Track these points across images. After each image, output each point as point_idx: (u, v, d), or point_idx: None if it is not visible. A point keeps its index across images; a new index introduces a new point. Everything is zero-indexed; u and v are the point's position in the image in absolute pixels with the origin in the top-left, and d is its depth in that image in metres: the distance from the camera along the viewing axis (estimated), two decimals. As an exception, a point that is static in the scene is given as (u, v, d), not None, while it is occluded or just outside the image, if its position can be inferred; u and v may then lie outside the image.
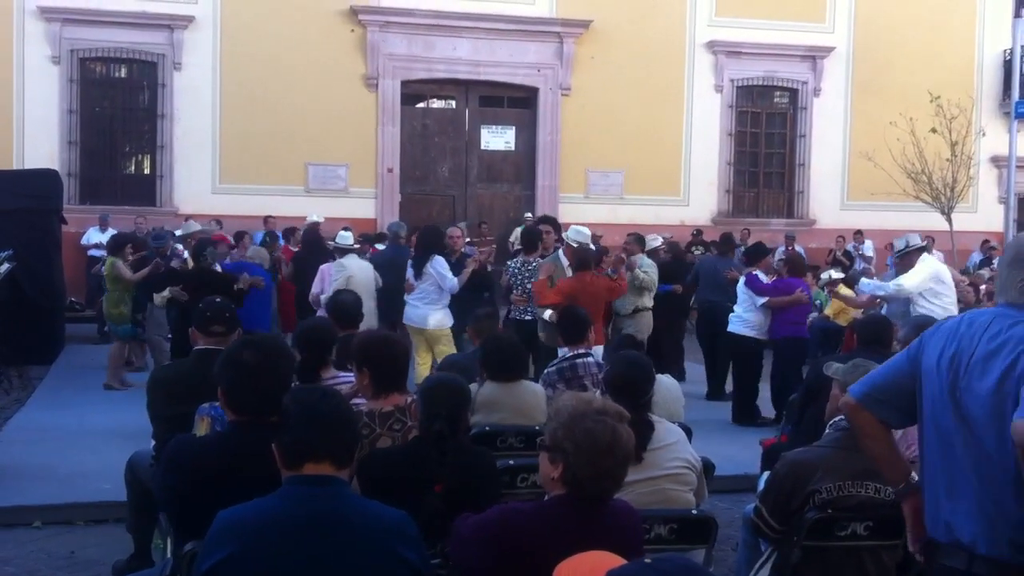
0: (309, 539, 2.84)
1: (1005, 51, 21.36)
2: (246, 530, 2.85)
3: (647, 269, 11.30)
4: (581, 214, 18.36)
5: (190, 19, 18.70)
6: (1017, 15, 17.98)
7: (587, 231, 10.38)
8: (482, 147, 20.75)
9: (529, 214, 18.95)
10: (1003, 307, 2.99)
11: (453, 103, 20.99)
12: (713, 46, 21.04)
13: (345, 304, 7.01)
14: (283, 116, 18.80)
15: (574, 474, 3.05)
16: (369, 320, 8.85)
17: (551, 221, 11.91)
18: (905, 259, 9.42)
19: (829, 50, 21.58)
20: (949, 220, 18.85)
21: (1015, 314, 2.92)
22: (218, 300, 5.40)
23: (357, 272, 10.58)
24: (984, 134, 20.34)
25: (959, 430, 2.92)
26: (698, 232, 19.20)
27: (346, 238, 11.72)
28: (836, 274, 12.01)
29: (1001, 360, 2.82)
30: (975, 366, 2.88)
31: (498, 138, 20.84)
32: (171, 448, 3.69)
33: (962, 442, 2.92)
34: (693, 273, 12.59)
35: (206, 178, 18.96)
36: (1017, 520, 2.78)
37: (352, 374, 4.90)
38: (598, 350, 7.71)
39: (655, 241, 12.83)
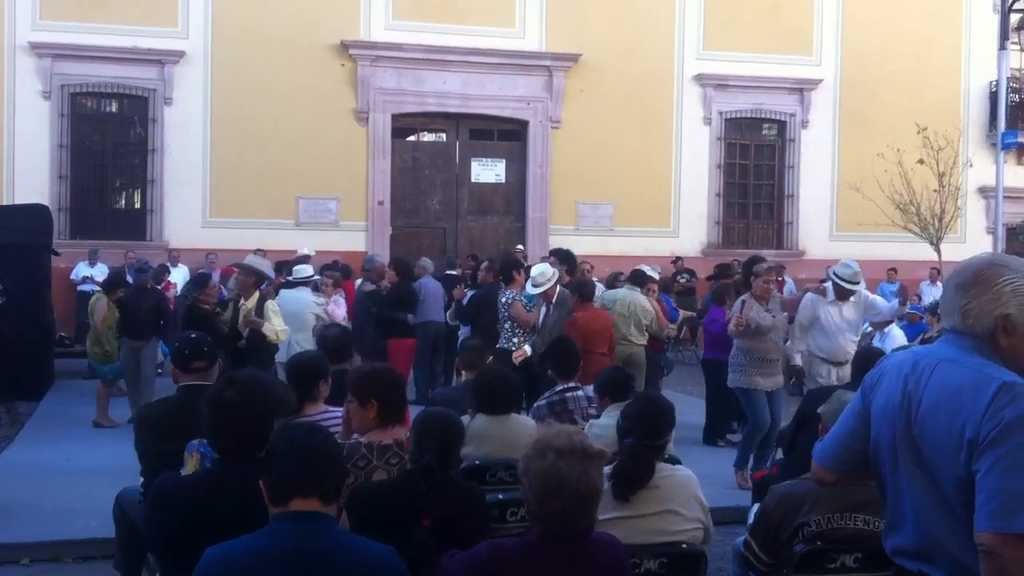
0: (296, 576, 2.82)
1: (991, 82, 21.49)
2: (234, 567, 2.84)
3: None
4: (571, 246, 18.20)
5: (180, 54, 18.76)
6: (1002, 47, 18.06)
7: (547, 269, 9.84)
8: (472, 180, 20.79)
9: (520, 246, 18.98)
10: (948, 344, 2.91)
11: (443, 136, 21.06)
12: (701, 79, 21.16)
13: (331, 339, 6.92)
14: (274, 150, 18.84)
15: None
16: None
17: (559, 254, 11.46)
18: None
19: (816, 82, 21.73)
20: (938, 251, 18.90)
21: (958, 354, 2.83)
22: (193, 335, 5.38)
23: (286, 305, 10.44)
24: (971, 165, 20.44)
25: (914, 472, 2.85)
26: (678, 259, 19.40)
27: (301, 271, 11.27)
28: None
29: (953, 417, 2.73)
30: (926, 414, 2.81)
31: (488, 171, 20.88)
32: (156, 487, 3.68)
33: (912, 482, 2.86)
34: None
35: (196, 212, 18.96)
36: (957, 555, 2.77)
37: (338, 409, 4.88)
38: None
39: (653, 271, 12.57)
